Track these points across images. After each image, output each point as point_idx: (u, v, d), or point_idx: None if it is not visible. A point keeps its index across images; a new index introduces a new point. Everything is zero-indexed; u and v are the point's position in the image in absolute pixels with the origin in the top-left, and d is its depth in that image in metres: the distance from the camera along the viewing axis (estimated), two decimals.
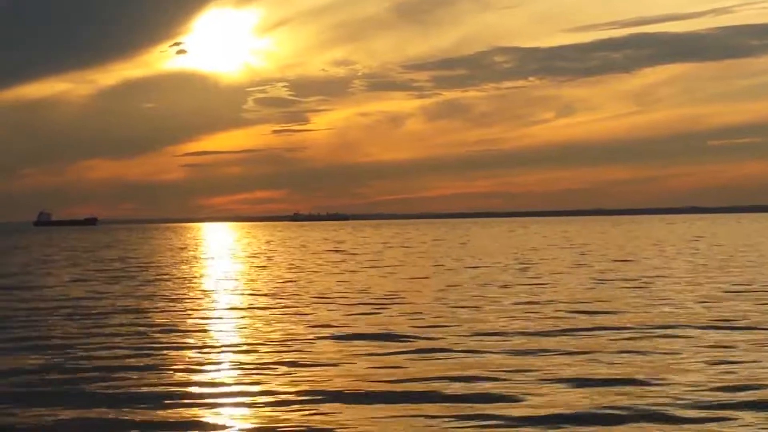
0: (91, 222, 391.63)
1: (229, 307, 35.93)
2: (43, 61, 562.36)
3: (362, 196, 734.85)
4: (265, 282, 49.46)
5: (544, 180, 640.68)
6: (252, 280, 51.09)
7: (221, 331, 28.71)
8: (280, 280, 50.31)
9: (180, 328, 29.13)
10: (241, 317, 32.24)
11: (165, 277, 55.60)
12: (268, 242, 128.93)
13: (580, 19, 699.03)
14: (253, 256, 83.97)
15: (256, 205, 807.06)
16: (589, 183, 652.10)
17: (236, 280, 52.20)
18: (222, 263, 72.01)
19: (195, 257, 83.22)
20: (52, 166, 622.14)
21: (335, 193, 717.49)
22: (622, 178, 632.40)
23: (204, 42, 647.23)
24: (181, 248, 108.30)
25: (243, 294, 41.90)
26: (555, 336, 25.46)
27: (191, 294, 42.83)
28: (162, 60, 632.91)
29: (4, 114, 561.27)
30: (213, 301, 38.66)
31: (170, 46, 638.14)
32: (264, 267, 64.60)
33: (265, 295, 40.93)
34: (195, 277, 55.29)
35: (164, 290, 44.92)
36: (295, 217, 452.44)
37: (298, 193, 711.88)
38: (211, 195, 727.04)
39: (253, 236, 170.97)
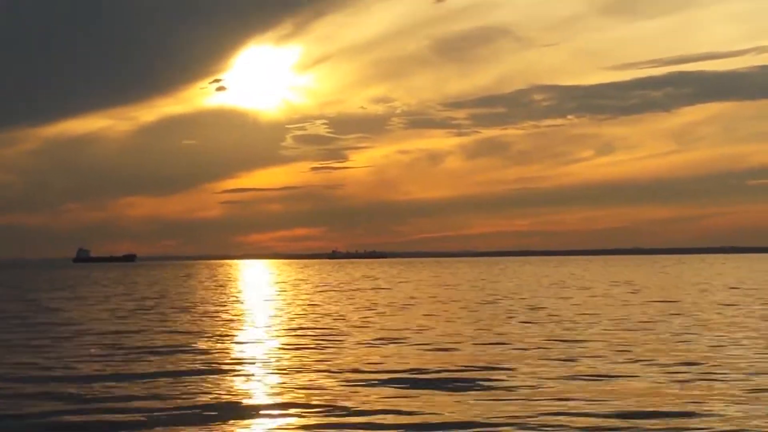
0: (129, 258, 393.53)
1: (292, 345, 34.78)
2: (85, 97, 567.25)
3: (401, 234, 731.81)
4: (308, 318, 48.24)
5: (583, 218, 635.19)
6: (297, 317, 49.99)
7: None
8: (331, 317, 49.06)
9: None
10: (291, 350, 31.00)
11: (225, 314, 54.53)
12: (304, 279, 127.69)
13: (620, 57, 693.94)
14: (295, 294, 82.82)
15: (295, 243, 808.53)
16: (628, 222, 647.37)
17: (290, 317, 51.12)
18: (273, 301, 70.90)
19: (253, 295, 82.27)
20: (93, 202, 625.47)
21: (374, 231, 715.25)
22: (661, 217, 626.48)
23: (243, 79, 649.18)
24: (224, 285, 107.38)
25: (295, 331, 40.72)
26: None
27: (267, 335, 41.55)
28: (202, 97, 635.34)
29: (46, 149, 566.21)
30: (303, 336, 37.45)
31: (210, 82, 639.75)
32: (313, 304, 63.42)
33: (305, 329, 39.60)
34: (256, 316, 54.17)
35: (232, 328, 43.82)
36: (334, 255, 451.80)
37: (336, 230, 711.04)
38: (249, 232, 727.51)
39: (291, 273, 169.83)
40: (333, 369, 27.17)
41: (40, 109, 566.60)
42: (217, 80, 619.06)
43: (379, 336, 37.37)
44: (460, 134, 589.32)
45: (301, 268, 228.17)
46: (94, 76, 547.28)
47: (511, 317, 47.31)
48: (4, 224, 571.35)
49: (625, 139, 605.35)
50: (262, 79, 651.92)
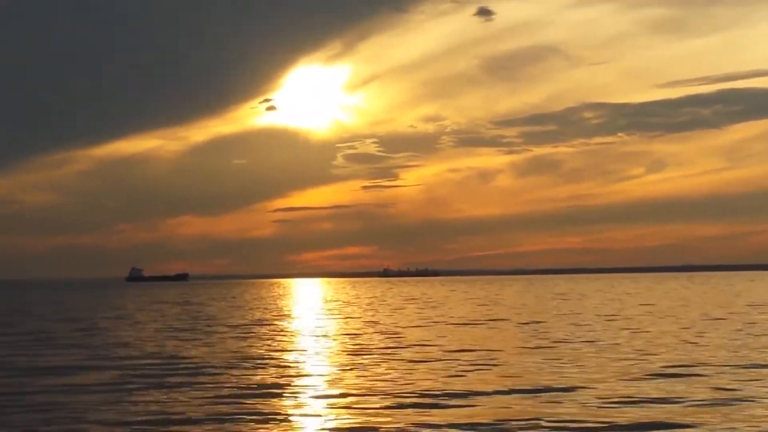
0: (182, 278, 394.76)
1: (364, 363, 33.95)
2: (136, 117, 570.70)
3: (451, 252, 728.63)
4: (366, 335, 47.47)
5: (633, 236, 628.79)
6: (355, 335, 49.26)
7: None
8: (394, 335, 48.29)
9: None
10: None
11: (285, 331, 53.97)
12: (357, 296, 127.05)
13: (670, 74, 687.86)
14: (349, 311, 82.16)
15: (346, 261, 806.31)
16: (679, 239, 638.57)
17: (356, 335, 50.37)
18: (336, 319, 70.27)
19: (315, 312, 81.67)
20: (144, 222, 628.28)
21: (424, 249, 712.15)
22: (712, 234, 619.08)
23: (293, 98, 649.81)
24: (293, 303, 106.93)
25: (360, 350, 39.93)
26: None
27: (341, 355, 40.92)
28: (252, 116, 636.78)
29: (98, 170, 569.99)
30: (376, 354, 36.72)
31: (260, 102, 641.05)
32: (372, 322, 62.67)
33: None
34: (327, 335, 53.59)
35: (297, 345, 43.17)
36: (385, 273, 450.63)
37: (387, 248, 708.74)
38: (301, 251, 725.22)
39: (347, 291, 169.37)
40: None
41: (91, 130, 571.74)
42: (267, 100, 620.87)
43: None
44: (510, 152, 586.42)
45: (367, 287, 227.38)
46: (144, 96, 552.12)
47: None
48: (56, 245, 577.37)
49: (675, 156, 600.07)
50: (312, 99, 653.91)
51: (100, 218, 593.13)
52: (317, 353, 39.77)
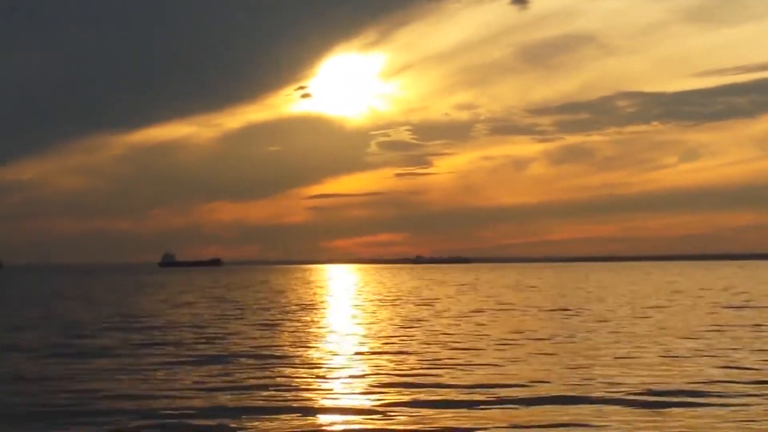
0: (215, 263, 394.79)
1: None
2: (170, 104, 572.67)
3: (484, 239, 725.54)
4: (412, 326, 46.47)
5: (667, 225, 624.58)
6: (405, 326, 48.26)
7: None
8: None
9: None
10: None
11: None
12: (395, 284, 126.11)
13: (705, 64, 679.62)
14: (392, 299, 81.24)
15: (379, 248, 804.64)
16: (712, 228, 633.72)
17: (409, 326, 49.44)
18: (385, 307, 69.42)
19: (367, 299, 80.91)
20: (178, 207, 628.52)
21: (457, 237, 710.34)
22: (745, 224, 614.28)
23: (328, 86, 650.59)
24: (331, 289, 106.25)
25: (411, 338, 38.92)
26: None
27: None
28: (287, 103, 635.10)
29: (132, 155, 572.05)
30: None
31: (295, 89, 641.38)
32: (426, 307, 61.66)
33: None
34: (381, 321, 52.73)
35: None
36: (418, 260, 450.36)
37: (420, 236, 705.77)
38: (334, 237, 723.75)
39: (382, 278, 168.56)
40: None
41: (126, 115, 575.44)
42: (302, 87, 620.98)
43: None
44: (544, 140, 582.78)
45: (411, 274, 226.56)
46: (179, 83, 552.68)
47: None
48: (90, 229, 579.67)
49: (710, 145, 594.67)
50: (346, 87, 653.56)
51: (133, 203, 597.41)
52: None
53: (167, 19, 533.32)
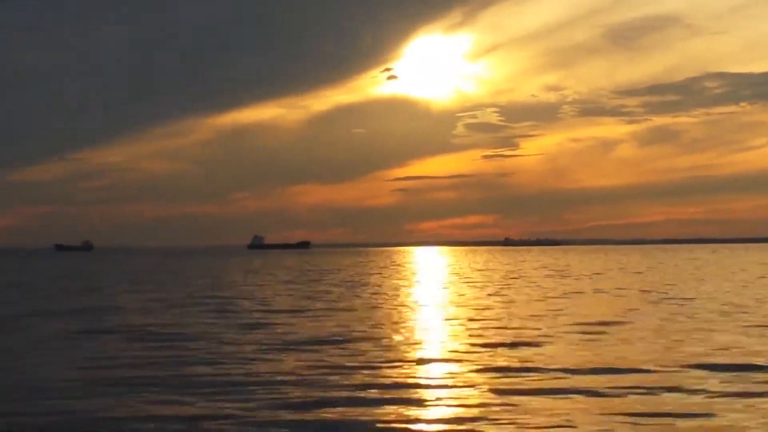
0: (304, 245, 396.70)
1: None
2: (257, 87, 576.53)
3: (572, 222, 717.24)
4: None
5: (755, 206, 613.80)
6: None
7: None
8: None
9: None
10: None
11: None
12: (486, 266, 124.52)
13: None
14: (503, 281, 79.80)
15: (467, 230, 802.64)
16: None
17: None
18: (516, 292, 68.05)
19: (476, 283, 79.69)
20: (265, 190, 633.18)
21: (545, 219, 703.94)
22: None
23: (414, 68, 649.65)
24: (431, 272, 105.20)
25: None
26: None
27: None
28: (373, 86, 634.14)
29: (219, 139, 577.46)
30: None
31: (381, 71, 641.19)
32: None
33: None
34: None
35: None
36: (506, 242, 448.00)
37: (508, 218, 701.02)
38: (421, 219, 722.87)
39: (503, 262, 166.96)
40: None
41: (213, 99, 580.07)
42: (388, 69, 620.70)
43: None
44: (631, 122, 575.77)
45: (499, 256, 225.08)
46: (266, 66, 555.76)
47: None
48: (177, 213, 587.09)
49: None
50: (432, 68, 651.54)
51: (220, 187, 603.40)
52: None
53: (254, 4, 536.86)
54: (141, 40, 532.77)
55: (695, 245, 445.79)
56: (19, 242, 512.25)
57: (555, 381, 22.05)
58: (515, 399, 19.70)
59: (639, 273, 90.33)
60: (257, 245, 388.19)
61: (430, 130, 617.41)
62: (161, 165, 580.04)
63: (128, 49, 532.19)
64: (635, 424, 17.28)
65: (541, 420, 17.56)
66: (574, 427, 17.02)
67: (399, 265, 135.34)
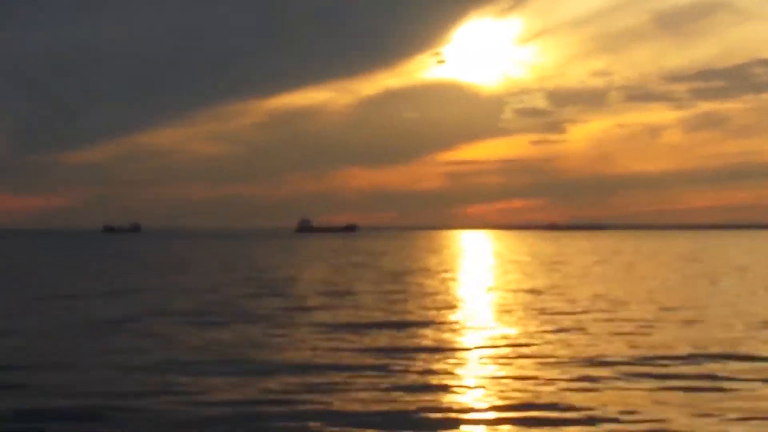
0: (351, 229, 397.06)
1: None
2: (308, 70, 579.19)
3: (618, 207, 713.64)
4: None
5: None
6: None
7: None
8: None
9: None
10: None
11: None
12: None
13: None
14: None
15: (514, 215, 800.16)
16: None
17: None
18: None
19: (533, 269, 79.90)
20: (314, 173, 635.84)
21: (592, 204, 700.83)
22: None
23: (463, 52, 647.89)
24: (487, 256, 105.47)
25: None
26: None
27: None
28: (422, 70, 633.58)
29: (271, 122, 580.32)
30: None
31: (430, 56, 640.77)
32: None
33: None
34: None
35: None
36: (552, 227, 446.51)
37: (555, 203, 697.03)
38: (469, 203, 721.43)
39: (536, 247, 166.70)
40: None
41: (265, 82, 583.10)
42: (437, 53, 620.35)
43: None
44: (679, 108, 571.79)
45: (552, 242, 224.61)
46: (316, 49, 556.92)
47: None
48: (226, 195, 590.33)
49: None
50: (481, 53, 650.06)
51: (269, 169, 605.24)
52: None
53: None
54: (189, 25, 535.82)
55: (744, 231, 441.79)
56: (70, 223, 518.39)
57: None
58: None
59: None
60: (305, 228, 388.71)
61: (478, 115, 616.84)
62: (212, 147, 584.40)
63: (180, 34, 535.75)
64: None
65: None
66: None
67: (460, 252, 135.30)
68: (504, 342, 26.82)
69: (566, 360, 23.26)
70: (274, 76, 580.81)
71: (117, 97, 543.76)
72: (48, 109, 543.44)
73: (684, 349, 24.92)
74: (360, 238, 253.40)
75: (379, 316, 34.68)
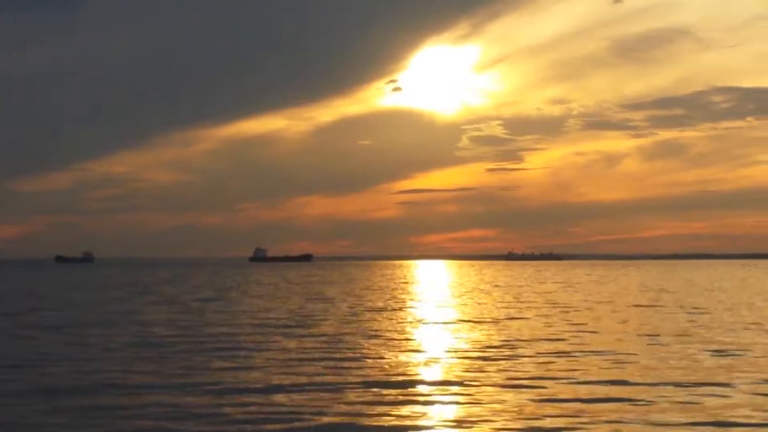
0: (306, 258, 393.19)
1: None
2: (262, 97, 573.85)
3: (576, 235, 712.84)
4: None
5: (761, 222, 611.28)
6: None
7: None
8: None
9: None
10: None
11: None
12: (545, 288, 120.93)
13: None
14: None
15: (470, 244, 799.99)
16: None
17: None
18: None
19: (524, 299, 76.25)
20: (269, 201, 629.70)
21: (549, 233, 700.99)
22: None
23: (419, 80, 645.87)
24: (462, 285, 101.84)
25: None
26: None
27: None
28: (377, 97, 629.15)
29: (224, 149, 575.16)
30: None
31: (386, 83, 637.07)
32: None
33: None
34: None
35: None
36: (510, 256, 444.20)
37: (512, 231, 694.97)
38: (425, 232, 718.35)
39: (513, 277, 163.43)
40: None
41: (218, 109, 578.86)
42: (393, 81, 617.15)
43: None
44: (637, 136, 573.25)
45: (508, 271, 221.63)
46: (272, 77, 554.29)
47: None
48: (181, 223, 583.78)
49: None
50: (438, 80, 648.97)
51: (225, 197, 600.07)
52: None
53: (260, 17, 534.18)
54: (146, 51, 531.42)
55: (700, 260, 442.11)
56: (23, 253, 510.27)
57: None
58: None
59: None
60: (259, 258, 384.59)
61: (435, 143, 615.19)
62: (167, 175, 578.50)
63: (134, 60, 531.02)
64: None
65: None
66: None
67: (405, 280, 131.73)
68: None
69: None
70: (230, 103, 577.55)
71: (72, 123, 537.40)
72: None
73: None
74: (316, 268, 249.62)
75: None
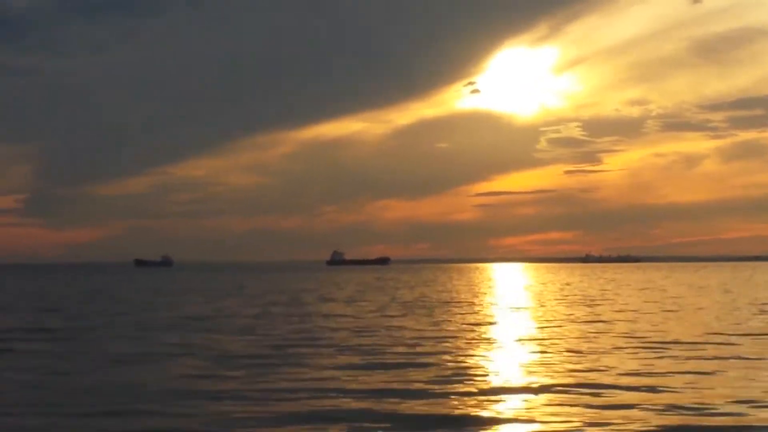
0: (383, 261, 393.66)
1: None
2: (340, 100, 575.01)
3: (655, 238, 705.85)
4: None
5: None
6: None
7: None
8: None
9: None
10: None
11: None
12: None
13: None
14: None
15: (548, 246, 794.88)
16: None
17: None
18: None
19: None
20: (347, 204, 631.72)
21: (627, 235, 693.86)
22: None
23: (497, 81, 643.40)
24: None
25: None
26: None
27: None
28: (455, 99, 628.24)
29: (303, 152, 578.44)
30: None
31: (464, 85, 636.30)
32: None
33: None
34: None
35: None
36: (587, 259, 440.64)
37: (590, 234, 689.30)
38: (503, 235, 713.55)
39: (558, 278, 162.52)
40: None
41: (297, 112, 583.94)
42: (471, 83, 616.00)
43: None
44: (716, 137, 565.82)
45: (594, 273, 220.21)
46: (350, 80, 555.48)
47: None
48: (259, 227, 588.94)
49: None
50: (516, 82, 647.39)
51: (303, 201, 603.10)
52: None
53: (338, 17, 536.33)
54: (224, 57, 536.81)
55: None
56: (103, 257, 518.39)
57: None
58: None
59: None
60: (337, 261, 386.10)
61: (513, 145, 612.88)
62: (245, 179, 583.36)
63: (212, 66, 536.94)
64: None
65: None
66: None
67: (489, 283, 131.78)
68: None
69: None
70: (308, 107, 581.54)
71: (151, 127, 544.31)
72: (80, 140, 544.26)
73: None
74: (391, 271, 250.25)
75: None
